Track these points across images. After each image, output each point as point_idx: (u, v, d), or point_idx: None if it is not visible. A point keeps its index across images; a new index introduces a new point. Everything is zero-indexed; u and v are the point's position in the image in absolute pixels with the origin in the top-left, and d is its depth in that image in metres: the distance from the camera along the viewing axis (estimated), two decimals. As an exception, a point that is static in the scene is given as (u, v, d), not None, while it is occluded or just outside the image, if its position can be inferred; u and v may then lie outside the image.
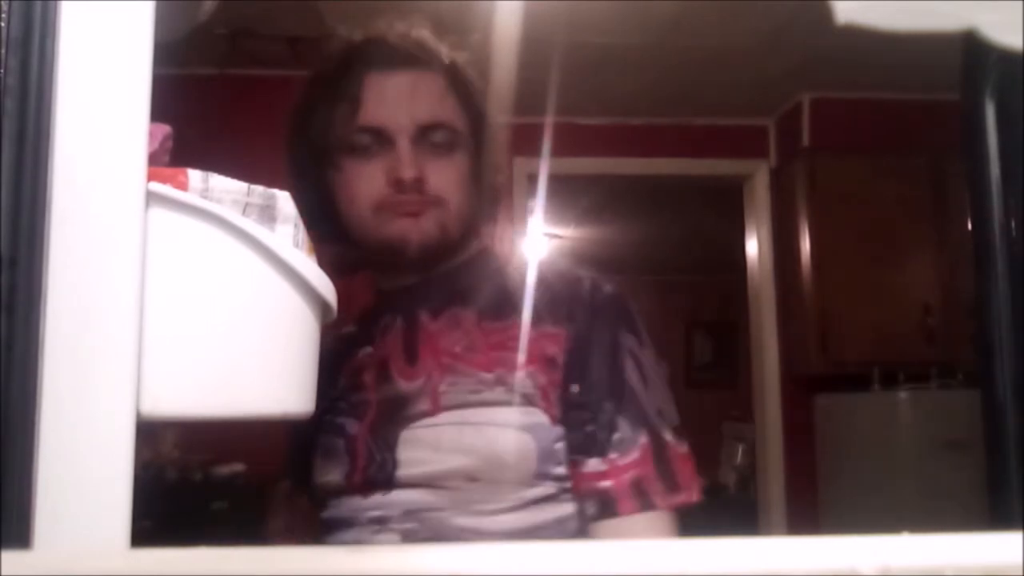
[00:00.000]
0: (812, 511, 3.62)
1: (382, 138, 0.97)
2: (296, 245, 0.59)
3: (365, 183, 0.97)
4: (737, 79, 3.43)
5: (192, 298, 0.53)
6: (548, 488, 0.93)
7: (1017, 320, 0.58)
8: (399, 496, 0.95)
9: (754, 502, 4.01)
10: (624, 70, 3.33)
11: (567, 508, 0.94)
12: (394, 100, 0.97)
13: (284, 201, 0.59)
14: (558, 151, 3.69)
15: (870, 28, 0.32)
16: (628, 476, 0.91)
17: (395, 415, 0.97)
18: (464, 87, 1.02)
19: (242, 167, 0.66)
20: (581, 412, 0.94)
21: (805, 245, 3.60)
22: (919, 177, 3.56)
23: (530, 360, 0.95)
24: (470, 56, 1.05)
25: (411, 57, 0.99)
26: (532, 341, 0.96)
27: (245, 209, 0.56)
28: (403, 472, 0.95)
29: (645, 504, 0.90)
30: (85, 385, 0.46)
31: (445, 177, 0.98)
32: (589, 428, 0.93)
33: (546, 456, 0.93)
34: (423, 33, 1.02)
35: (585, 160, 3.80)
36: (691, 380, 7.04)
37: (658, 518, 0.91)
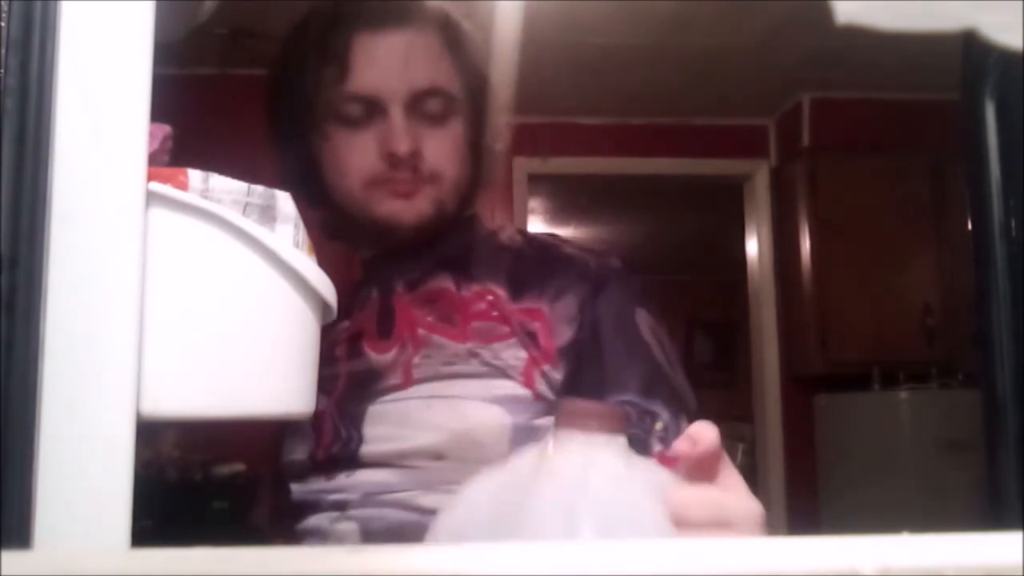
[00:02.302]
0: (812, 511, 3.62)
1: (373, 107, 0.89)
2: (296, 245, 0.59)
3: (356, 156, 0.90)
4: (737, 79, 3.43)
5: (192, 298, 0.53)
6: None
7: (1017, 320, 0.58)
8: (361, 477, 0.88)
9: (754, 502, 4.01)
10: (624, 70, 3.33)
11: None
12: (386, 65, 0.88)
13: (284, 201, 0.59)
14: (558, 151, 3.69)
15: (870, 28, 0.32)
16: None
17: (364, 389, 0.91)
18: (460, 44, 0.93)
19: (242, 167, 0.66)
20: (599, 398, 0.82)
21: (805, 245, 3.60)
22: (919, 177, 3.56)
23: (510, 333, 0.88)
24: (465, 8, 0.96)
25: (403, 14, 0.90)
26: (512, 314, 0.89)
27: (245, 209, 0.56)
28: (368, 449, 0.88)
29: None
30: (85, 385, 0.46)
31: (441, 150, 0.90)
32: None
33: (522, 433, 0.84)
34: None
35: (585, 160, 3.80)
36: (691, 380, 7.02)
37: None
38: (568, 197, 4.88)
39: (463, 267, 0.94)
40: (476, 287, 0.92)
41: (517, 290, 0.91)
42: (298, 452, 0.94)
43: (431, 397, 0.87)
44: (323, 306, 0.63)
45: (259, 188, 0.57)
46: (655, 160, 3.91)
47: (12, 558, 0.23)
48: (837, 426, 3.60)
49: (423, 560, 0.23)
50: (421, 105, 0.90)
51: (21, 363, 0.44)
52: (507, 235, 0.99)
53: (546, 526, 0.49)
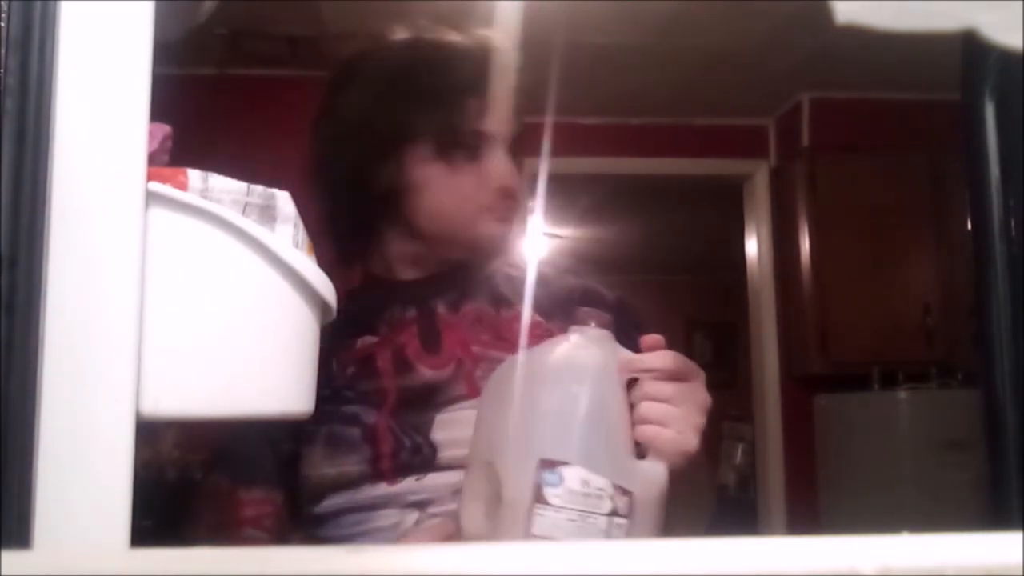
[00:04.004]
0: (812, 511, 3.62)
1: (483, 143, 1.01)
2: (296, 245, 0.59)
3: (464, 187, 1.02)
4: (737, 79, 3.43)
5: (192, 298, 0.53)
6: None
7: (1017, 320, 0.58)
8: (435, 480, 0.95)
9: (754, 502, 4.01)
10: (624, 70, 3.33)
11: None
12: (499, 108, 1.02)
13: (284, 201, 0.59)
14: (558, 151, 3.68)
15: (870, 28, 0.32)
16: None
17: (425, 401, 0.99)
18: (516, 86, 1.07)
19: (242, 167, 0.65)
20: None
21: (805, 245, 3.59)
22: (919, 177, 3.55)
23: None
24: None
25: (498, 66, 1.03)
26: (556, 332, 0.98)
27: (245, 209, 0.56)
28: (445, 454, 0.96)
29: None
30: (85, 385, 0.46)
31: (520, 180, 1.05)
32: None
33: None
34: (492, 38, 1.07)
35: (585, 160, 3.80)
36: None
37: None
38: (568, 197, 4.87)
39: (490, 292, 1.07)
40: (513, 310, 1.04)
41: (547, 314, 1.03)
42: (345, 464, 0.96)
43: None
44: (323, 306, 0.63)
45: (259, 188, 0.57)
46: (655, 160, 3.91)
47: (12, 558, 0.23)
48: (837, 426, 3.60)
49: (423, 560, 0.23)
50: (511, 142, 1.04)
51: (21, 363, 0.44)
52: (511, 266, 1.13)
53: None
